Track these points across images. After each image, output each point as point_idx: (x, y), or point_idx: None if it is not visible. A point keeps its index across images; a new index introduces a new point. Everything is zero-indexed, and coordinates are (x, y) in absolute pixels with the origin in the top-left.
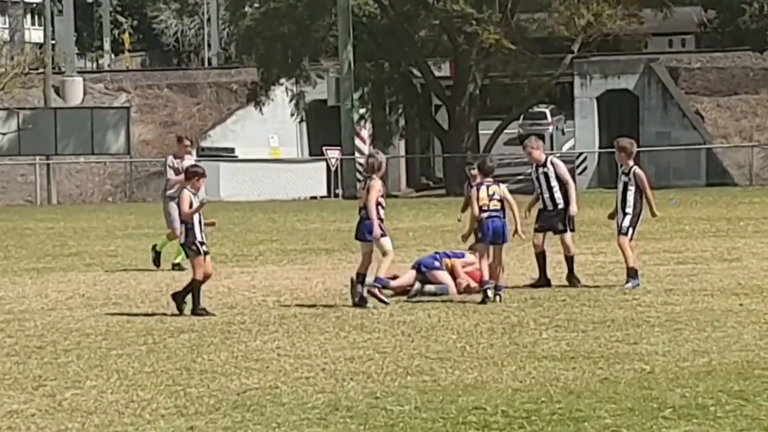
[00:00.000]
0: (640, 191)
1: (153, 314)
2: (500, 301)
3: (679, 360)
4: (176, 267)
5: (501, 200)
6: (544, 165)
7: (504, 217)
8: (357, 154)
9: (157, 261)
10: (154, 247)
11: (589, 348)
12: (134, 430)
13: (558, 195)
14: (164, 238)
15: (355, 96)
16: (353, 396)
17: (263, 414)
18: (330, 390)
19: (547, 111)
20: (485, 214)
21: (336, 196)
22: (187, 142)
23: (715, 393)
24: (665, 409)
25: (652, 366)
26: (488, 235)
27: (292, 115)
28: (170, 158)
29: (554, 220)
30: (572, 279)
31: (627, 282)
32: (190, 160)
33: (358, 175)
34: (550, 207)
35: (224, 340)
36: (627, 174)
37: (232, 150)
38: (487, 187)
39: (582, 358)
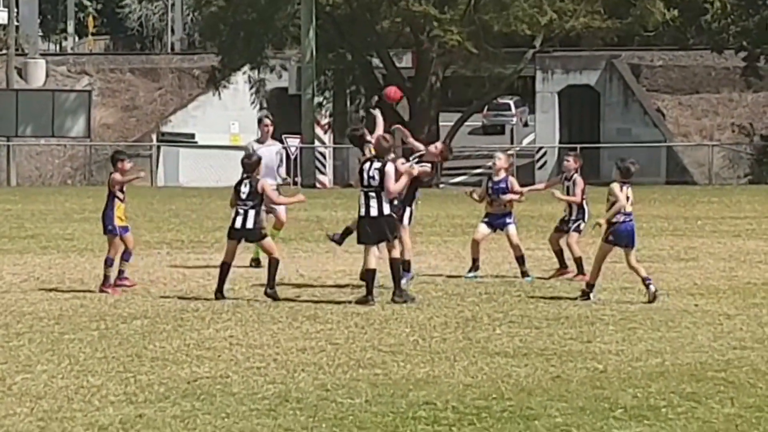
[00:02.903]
0: None
1: (107, 299)
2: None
3: (632, 360)
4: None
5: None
6: (569, 178)
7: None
8: (317, 143)
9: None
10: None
11: (542, 345)
12: (83, 416)
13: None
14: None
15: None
16: (304, 387)
17: (213, 403)
18: (281, 381)
19: (512, 102)
20: (627, 217)
21: (295, 184)
22: (268, 122)
23: (668, 394)
24: (617, 409)
25: (604, 365)
26: (623, 237)
27: (252, 103)
28: (252, 143)
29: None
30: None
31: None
32: (274, 144)
33: (318, 164)
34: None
35: (177, 327)
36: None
37: (192, 136)
38: (628, 188)
39: (535, 355)
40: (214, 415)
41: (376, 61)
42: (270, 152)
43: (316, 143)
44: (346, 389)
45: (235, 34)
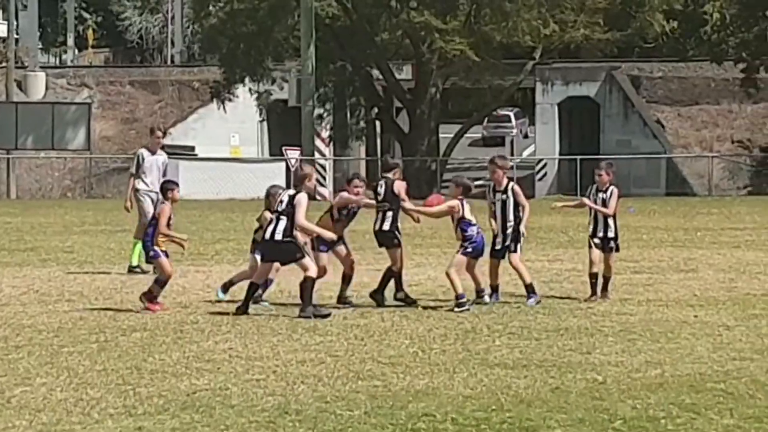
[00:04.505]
0: (516, 205)
1: (106, 311)
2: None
3: (632, 371)
4: (135, 269)
5: None
6: (504, 191)
7: None
8: (317, 155)
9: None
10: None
11: (542, 356)
12: (82, 429)
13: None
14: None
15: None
16: (303, 399)
17: (212, 416)
18: (280, 393)
19: (512, 114)
20: (477, 228)
21: None
22: (160, 134)
23: (667, 405)
24: (616, 420)
25: (604, 376)
26: (480, 248)
27: (261, 112)
28: (143, 151)
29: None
30: None
31: (529, 298)
32: (162, 155)
33: (318, 176)
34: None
35: (176, 339)
36: (504, 192)
37: (192, 148)
38: (467, 204)
39: (534, 366)
40: (213, 428)
41: (376, 73)
42: (157, 161)
43: (317, 155)
44: (346, 401)
45: (236, 46)
